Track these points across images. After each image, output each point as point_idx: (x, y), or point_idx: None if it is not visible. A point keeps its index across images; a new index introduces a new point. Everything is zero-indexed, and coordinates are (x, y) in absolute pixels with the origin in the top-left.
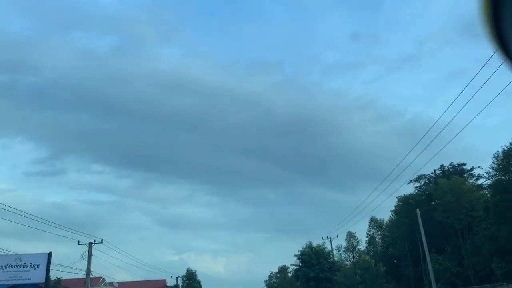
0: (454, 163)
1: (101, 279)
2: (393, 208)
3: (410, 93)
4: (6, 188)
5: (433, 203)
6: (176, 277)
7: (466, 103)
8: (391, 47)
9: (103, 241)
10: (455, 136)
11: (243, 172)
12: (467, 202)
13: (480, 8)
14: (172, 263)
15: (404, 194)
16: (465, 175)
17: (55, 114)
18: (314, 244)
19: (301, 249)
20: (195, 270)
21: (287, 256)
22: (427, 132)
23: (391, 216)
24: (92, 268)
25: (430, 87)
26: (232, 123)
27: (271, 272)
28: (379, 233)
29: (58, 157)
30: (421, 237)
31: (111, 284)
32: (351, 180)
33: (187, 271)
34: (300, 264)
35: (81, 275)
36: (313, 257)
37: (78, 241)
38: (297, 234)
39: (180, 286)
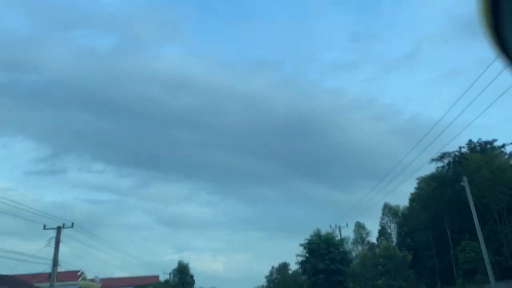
0: (483, 139)
1: (79, 273)
2: (412, 191)
3: (409, 92)
4: (7, 187)
5: (462, 183)
6: (170, 273)
7: (470, 104)
8: (390, 46)
9: (74, 225)
10: (456, 136)
11: (243, 170)
12: (506, 180)
13: (479, 8)
14: (172, 262)
15: (425, 175)
16: (496, 152)
17: (56, 113)
18: (323, 232)
19: (308, 238)
20: (188, 263)
21: (286, 254)
22: (428, 132)
23: (410, 200)
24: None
25: (428, 86)
26: (233, 122)
27: (272, 267)
28: (394, 221)
29: (59, 156)
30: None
31: (92, 280)
32: (351, 179)
33: (179, 264)
34: (307, 255)
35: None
36: (322, 246)
37: (44, 225)
38: (296, 232)
39: (170, 281)
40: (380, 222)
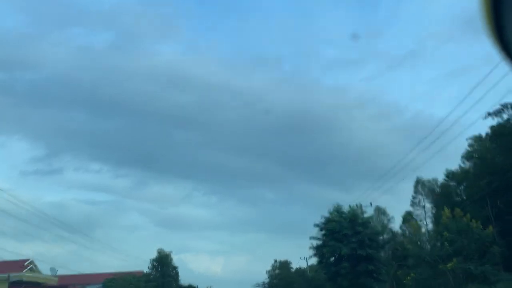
0: None
1: (27, 263)
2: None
3: (412, 90)
4: (3, 187)
5: None
6: (148, 266)
7: (475, 104)
8: (392, 44)
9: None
10: (457, 135)
11: (241, 170)
12: None
13: (481, 6)
14: None
15: (479, 134)
16: None
17: (52, 112)
18: (346, 208)
19: (326, 216)
20: (170, 252)
21: (286, 256)
22: (431, 132)
23: (461, 165)
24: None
25: (431, 84)
26: (231, 120)
27: (275, 260)
28: (429, 200)
29: (55, 155)
30: None
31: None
32: (351, 179)
33: (158, 253)
34: (324, 237)
35: None
36: (345, 226)
37: None
38: (296, 234)
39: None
40: (411, 202)
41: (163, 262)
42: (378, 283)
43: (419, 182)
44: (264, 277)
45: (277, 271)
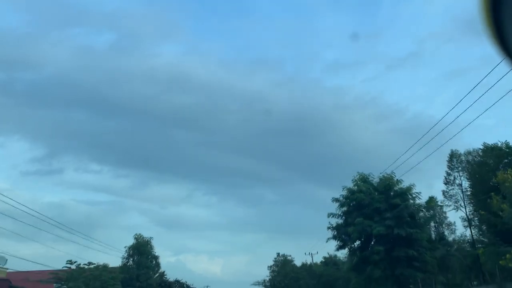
0: None
1: None
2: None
3: (412, 91)
4: (3, 188)
5: None
6: (123, 255)
7: (472, 104)
8: (392, 45)
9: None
10: (454, 135)
11: (242, 171)
12: None
13: (480, 7)
14: (169, 264)
15: None
16: None
17: (53, 112)
18: (375, 179)
19: (348, 186)
20: (150, 238)
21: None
22: (427, 132)
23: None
24: None
25: (431, 85)
26: (232, 121)
27: (278, 254)
28: (465, 175)
29: (55, 156)
30: None
31: None
32: (351, 180)
33: (135, 239)
34: (346, 214)
35: None
36: (376, 198)
37: None
38: (296, 234)
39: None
40: (446, 179)
41: (140, 250)
42: (421, 274)
43: (454, 156)
44: (265, 274)
45: (280, 266)
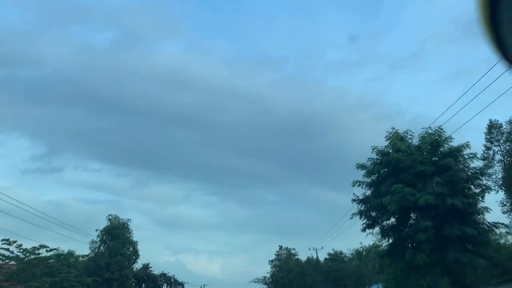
0: None
1: None
2: None
3: (413, 92)
4: (3, 186)
5: None
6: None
7: (467, 104)
8: (394, 46)
9: None
10: (451, 134)
11: (242, 171)
12: None
13: (478, 9)
14: (168, 263)
15: None
16: None
17: (53, 110)
18: (413, 138)
19: (379, 148)
20: (127, 220)
21: None
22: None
23: None
24: None
25: (433, 86)
26: (233, 121)
27: (280, 247)
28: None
29: (55, 154)
30: None
31: None
32: (352, 181)
33: (109, 219)
34: (374, 181)
35: None
36: (418, 159)
37: None
38: (295, 235)
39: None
40: (483, 155)
41: (113, 234)
42: (483, 261)
43: (493, 127)
44: (265, 272)
45: (282, 260)
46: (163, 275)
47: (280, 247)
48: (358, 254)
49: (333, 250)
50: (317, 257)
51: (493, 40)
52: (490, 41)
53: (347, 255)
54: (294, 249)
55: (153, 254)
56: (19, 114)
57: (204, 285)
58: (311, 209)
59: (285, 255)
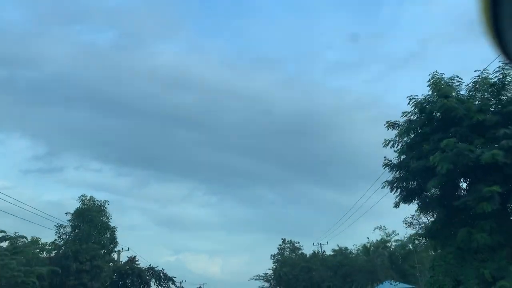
0: None
1: None
2: None
3: (413, 92)
4: (4, 186)
5: None
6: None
7: None
8: (394, 46)
9: None
10: None
11: (242, 171)
12: None
13: (479, 8)
14: (168, 263)
15: None
16: None
17: (54, 110)
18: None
19: (415, 97)
20: (104, 202)
21: None
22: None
23: None
24: None
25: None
26: (233, 121)
27: (283, 240)
28: None
29: (56, 154)
30: None
31: None
32: (352, 181)
33: (81, 201)
34: (414, 139)
35: None
36: (472, 107)
37: None
38: (296, 235)
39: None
40: None
41: (86, 217)
42: None
43: None
44: (267, 268)
45: (286, 254)
46: (151, 268)
47: (283, 240)
48: (365, 249)
49: (338, 246)
50: (324, 251)
51: (493, 36)
52: (490, 37)
53: (353, 251)
54: (298, 242)
55: (153, 253)
56: (20, 114)
57: (203, 284)
58: (311, 209)
59: (288, 249)
